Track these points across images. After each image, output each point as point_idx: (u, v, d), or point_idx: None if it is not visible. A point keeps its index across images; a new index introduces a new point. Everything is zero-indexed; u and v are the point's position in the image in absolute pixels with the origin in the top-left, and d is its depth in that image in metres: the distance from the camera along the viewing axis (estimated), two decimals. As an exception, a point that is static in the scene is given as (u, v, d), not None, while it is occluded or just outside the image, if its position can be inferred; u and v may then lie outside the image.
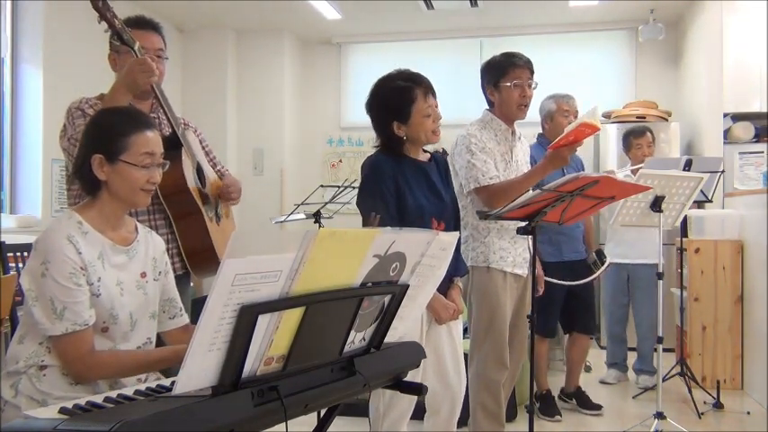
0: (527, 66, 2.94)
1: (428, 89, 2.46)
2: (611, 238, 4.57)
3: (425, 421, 2.62)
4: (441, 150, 3.12)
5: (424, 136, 2.47)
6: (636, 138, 4.54)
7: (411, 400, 2.50)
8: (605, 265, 3.82)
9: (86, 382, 1.72)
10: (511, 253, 2.93)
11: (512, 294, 2.95)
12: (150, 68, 2.15)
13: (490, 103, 3.02)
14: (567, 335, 4.14)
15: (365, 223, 2.45)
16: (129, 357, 1.76)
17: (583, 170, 4.01)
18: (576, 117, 3.81)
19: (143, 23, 2.41)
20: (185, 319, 2.01)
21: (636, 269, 4.44)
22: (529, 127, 6.16)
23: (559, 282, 3.64)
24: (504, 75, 2.93)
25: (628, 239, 4.39)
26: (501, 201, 2.78)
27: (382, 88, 2.50)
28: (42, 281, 1.65)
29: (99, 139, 1.78)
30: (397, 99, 2.44)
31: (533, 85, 2.95)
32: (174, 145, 2.31)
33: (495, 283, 2.88)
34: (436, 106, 2.49)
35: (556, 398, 4.10)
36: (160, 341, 1.96)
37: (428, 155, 2.60)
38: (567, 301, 3.87)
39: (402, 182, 2.44)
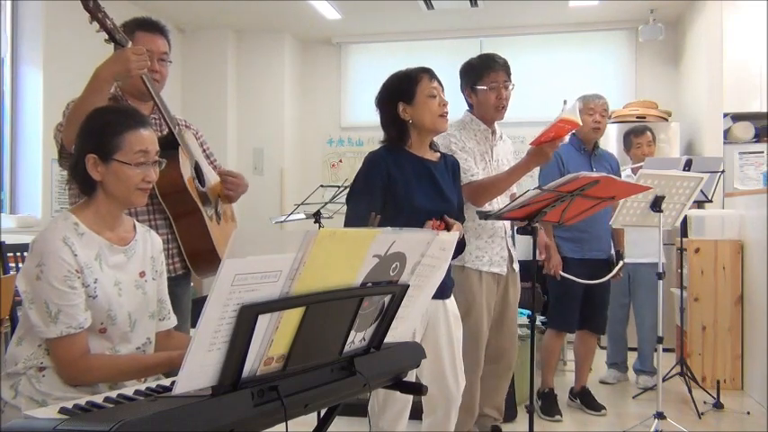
0: (503, 68, 3.00)
1: (432, 75, 2.51)
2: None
3: (423, 421, 2.62)
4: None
5: (430, 118, 2.46)
6: (636, 137, 4.57)
7: (406, 401, 2.50)
8: (618, 266, 3.84)
9: (80, 385, 1.71)
10: (487, 252, 2.96)
11: (489, 292, 2.98)
12: (146, 57, 2.14)
13: (469, 104, 3.07)
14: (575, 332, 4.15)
15: (350, 219, 2.44)
16: (124, 362, 1.75)
17: (618, 170, 4.03)
18: (602, 116, 3.88)
19: (149, 25, 2.40)
20: (173, 321, 2.00)
21: (638, 268, 4.44)
22: (522, 127, 6.20)
23: (575, 278, 3.65)
24: (480, 78, 2.99)
25: (630, 239, 4.39)
26: (483, 197, 2.84)
27: (389, 77, 2.56)
28: (37, 283, 1.65)
29: (92, 138, 1.77)
30: (403, 81, 2.50)
31: (510, 87, 2.99)
32: (171, 144, 2.31)
33: (471, 281, 2.92)
34: (443, 94, 2.51)
35: (567, 397, 4.12)
36: None
37: (438, 154, 2.60)
38: (585, 299, 3.88)
39: (398, 177, 2.43)
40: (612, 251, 4.00)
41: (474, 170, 2.88)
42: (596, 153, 3.94)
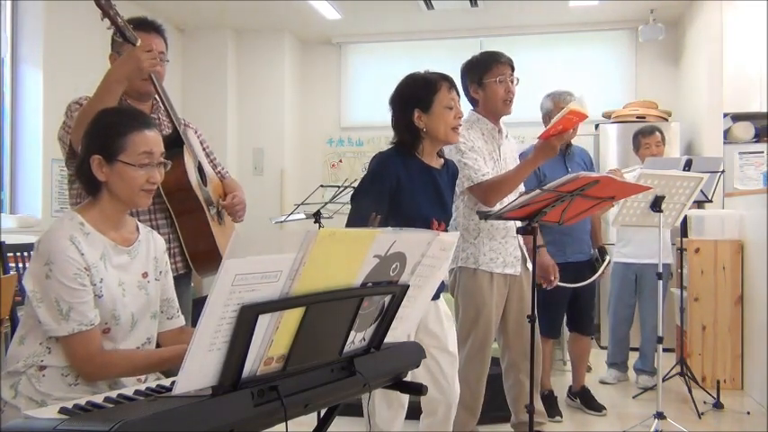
0: (508, 63, 3.00)
1: (453, 85, 2.49)
2: (621, 237, 4.57)
3: (421, 421, 2.61)
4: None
5: (444, 129, 2.44)
6: (644, 137, 4.56)
7: (403, 401, 2.50)
8: (605, 263, 3.83)
9: (97, 381, 1.72)
10: (501, 253, 2.95)
11: (500, 295, 2.97)
12: (156, 55, 2.14)
13: (474, 102, 3.06)
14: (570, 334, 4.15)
15: (353, 219, 2.43)
16: (141, 356, 1.77)
17: (591, 165, 4.02)
18: None
19: (146, 25, 2.40)
20: (182, 320, 2.01)
21: (645, 269, 4.42)
22: (522, 127, 6.20)
23: (563, 284, 3.64)
24: (488, 71, 2.97)
25: (637, 239, 4.40)
26: (495, 196, 2.83)
27: (408, 79, 2.52)
28: (47, 282, 1.65)
29: (97, 139, 1.78)
30: (422, 87, 2.46)
31: (515, 81, 2.99)
32: (175, 143, 2.31)
33: (481, 284, 2.91)
34: (459, 105, 2.50)
35: (565, 397, 4.12)
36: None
37: (442, 160, 2.59)
38: (571, 302, 3.88)
39: (406, 183, 2.42)
40: (593, 250, 3.99)
41: (484, 170, 2.87)
42: (569, 152, 3.89)
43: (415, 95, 2.45)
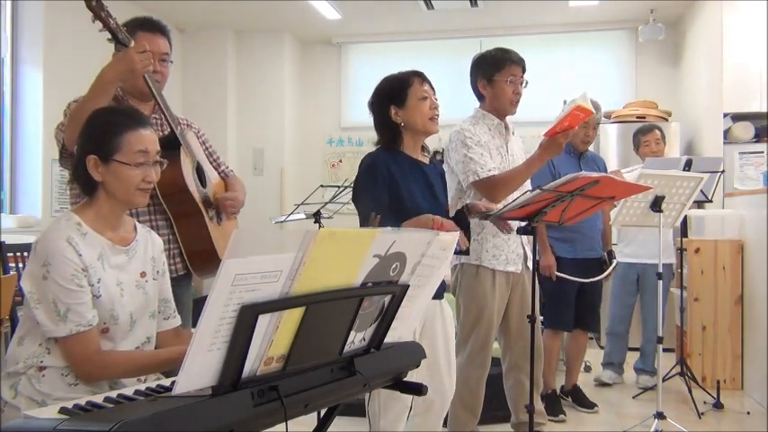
0: (521, 64, 3.00)
1: (424, 78, 2.53)
2: (623, 237, 4.57)
3: (409, 420, 2.61)
4: (441, 151, 3.13)
5: (421, 121, 2.48)
6: (643, 135, 4.59)
7: (407, 401, 2.50)
8: (612, 265, 3.86)
9: (96, 382, 1.72)
10: (504, 250, 2.95)
11: (502, 293, 2.98)
12: (149, 57, 2.13)
13: (480, 97, 3.06)
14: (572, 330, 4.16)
15: (363, 220, 2.44)
16: (141, 357, 1.77)
17: (605, 170, 4.04)
18: (593, 129, 3.93)
19: (151, 26, 2.39)
20: (178, 320, 2.01)
21: (647, 268, 4.43)
22: (522, 127, 6.19)
23: (570, 277, 3.67)
24: (499, 70, 2.98)
25: (640, 239, 4.40)
26: (502, 192, 2.84)
27: (382, 80, 2.58)
28: (44, 283, 1.65)
29: (92, 139, 1.78)
30: (395, 84, 2.52)
31: (524, 84, 2.99)
32: (172, 145, 2.31)
33: (484, 284, 2.92)
34: (434, 97, 2.52)
35: (558, 394, 4.12)
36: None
37: (427, 157, 2.61)
38: (577, 297, 3.90)
39: (399, 177, 2.44)
40: (603, 252, 4.02)
41: (490, 165, 2.87)
42: (585, 156, 3.98)
43: (389, 92, 2.51)
